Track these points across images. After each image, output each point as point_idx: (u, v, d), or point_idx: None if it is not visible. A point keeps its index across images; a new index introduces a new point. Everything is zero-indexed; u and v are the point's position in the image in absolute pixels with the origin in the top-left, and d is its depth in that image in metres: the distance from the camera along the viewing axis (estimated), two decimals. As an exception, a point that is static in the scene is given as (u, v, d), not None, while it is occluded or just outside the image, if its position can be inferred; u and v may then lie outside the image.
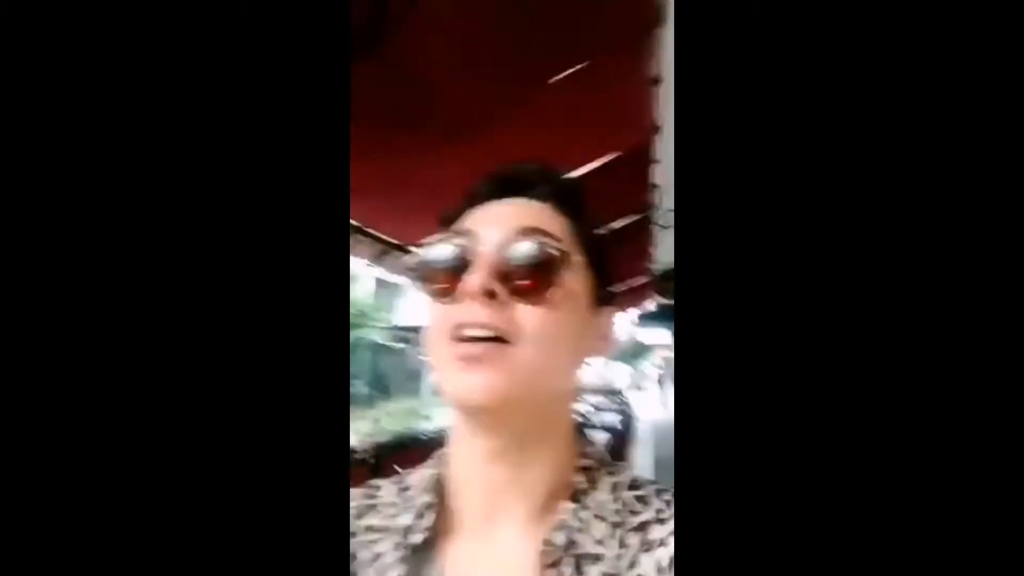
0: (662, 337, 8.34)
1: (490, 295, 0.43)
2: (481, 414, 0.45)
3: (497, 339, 0.43)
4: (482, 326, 0.43)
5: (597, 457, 0.50)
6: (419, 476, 0.52)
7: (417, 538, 0.46)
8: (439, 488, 0.49)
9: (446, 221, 0.50)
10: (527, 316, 0.44)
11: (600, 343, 0.52)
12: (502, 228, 0.46)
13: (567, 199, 0.51)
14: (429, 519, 0.47)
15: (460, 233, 0.47)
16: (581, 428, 0.52)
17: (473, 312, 0.43)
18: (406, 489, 0.52)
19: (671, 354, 9.07)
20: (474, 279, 0.44)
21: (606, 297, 0.52)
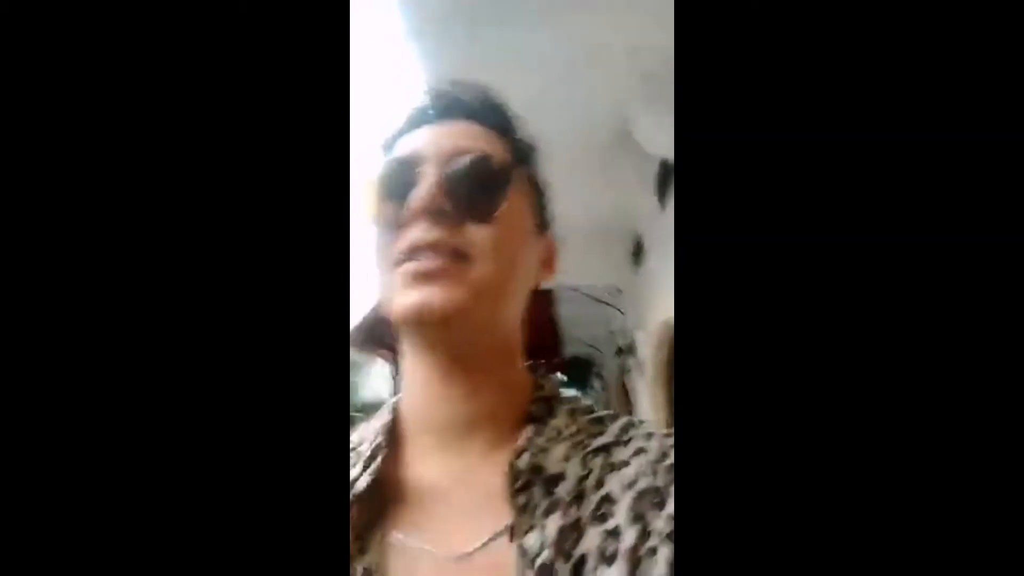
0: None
1: (439, 213, 0.43)
2: (435, 330, 0.44)
3: (450, 256, 0.43)
4: (435, 245, 0.43)
5: (551, 390, 0.51)
6: (367, 429, 0.51)
7: (362, 484, 0.45)
8: (391, 432, 0.49)
9: (385, 148, 0.50)
10: (475, 233, 0.44)
11: (544, 270, 0.52)
12: (444, 147, 0.46)
13: (500, 119, 0.51)
14: (377, 460, 0.46)
15: (400, 159, 0.47)
16: (535, 368, 0.53)
17: (425, 233, 0.43)
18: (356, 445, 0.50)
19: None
20: (423, 197, 0.43)
21: (547, 220, 0.53)
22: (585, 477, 0.44)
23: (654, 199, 2.83)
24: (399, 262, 0.44)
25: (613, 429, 0.48)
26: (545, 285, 0.53)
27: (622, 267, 3.68)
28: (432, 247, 0.43)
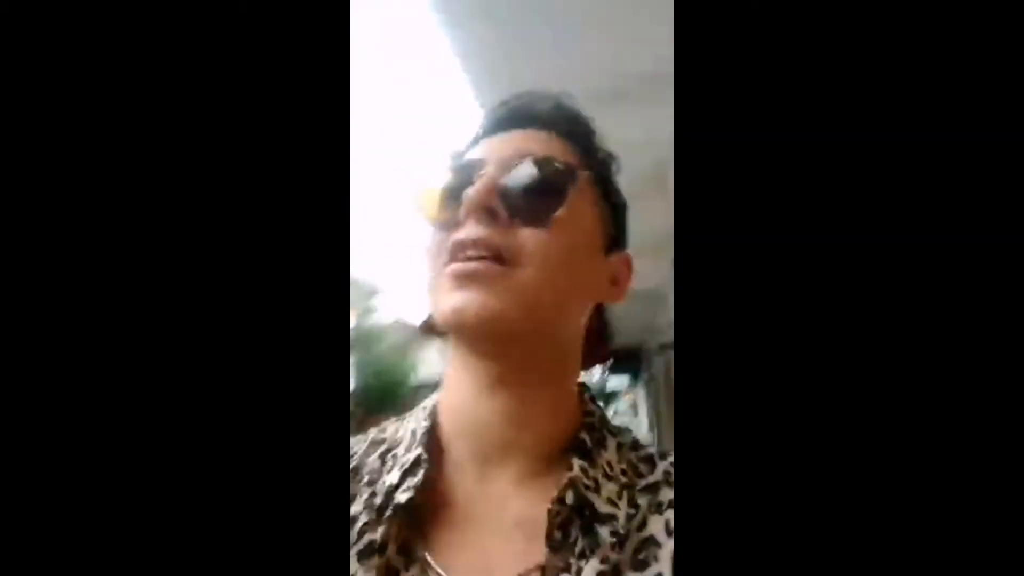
0: (623, 382, 9.33)
1: (490, 213, 0.42)
2: (476, 339, 0.43)
3: (495, 259, 0.41)
4: (479, 243, 0.41)
5: (599, 416, 0.49)
6: (403, 429, 0.49)
7: (402, 497, 0.43)
8: (430, 440, 0.46)
9: (454, 158, 0.49)
10: (527, 238, 0.42)
11: (612, 288, 0.49)
12: (505, 152, 0.45)
13: (576, 130, 0.49)
14: (419, 476, 0.44)
15: (464, 164, 0.46)
16: (584, 385, 0.50)
17: (471, 230, 0.42)
18: (386, 444, 0.49)
19: (633, 394, 9.95)
20: (472, 196, 0.42)
21: (618, 237, 0.50)
22: (631, 518, 0.42)
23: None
24: (446, 262, 0.42)
25: (662, 466, 0.46)
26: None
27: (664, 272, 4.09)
28: (476, 246, 0.41)
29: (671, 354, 4.97)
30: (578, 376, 0.49)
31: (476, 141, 0.50)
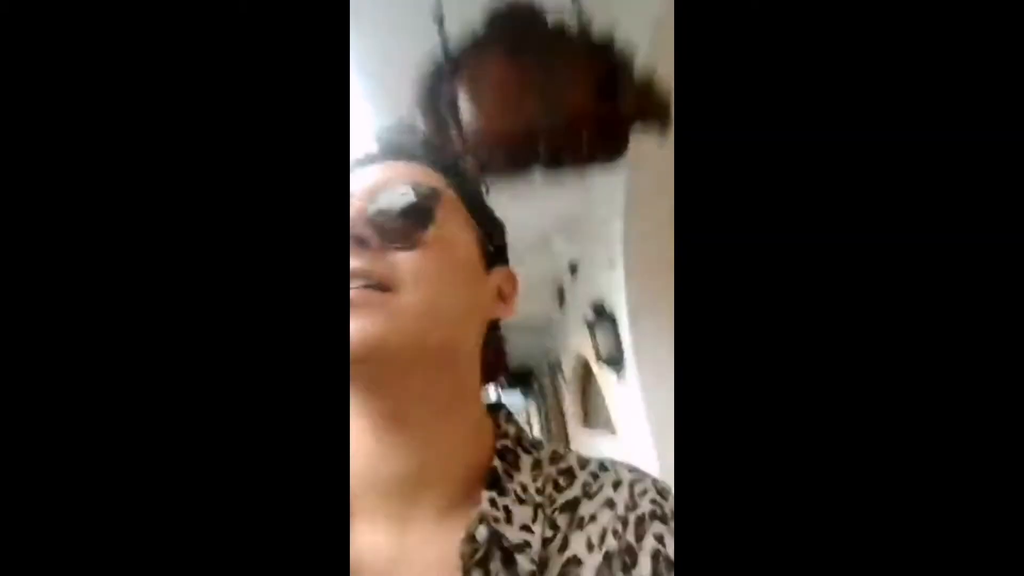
0: (514, 400, 10.13)
1: (360, 242, 0.41)
2: (368, 370, 0.40)
3: (374, 286, 0.40)
4: (356, 274, 0.40)
5: (514, 435, 0.47)
6: None
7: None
8: None
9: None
10: (403, 260, 0.42)
11: (499, 304, 0.49)
12: (371, 182, 0.45)
13: (444, 157, 0.50)
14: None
15: (368, 188, 0.45)
16: (497, 406, 0.50)
17: (355, 261, 0.40)
18: None
19: (525, 411, 10.78)
20: (351, 227, 0.40)
21: (497, 254, 0.50)
22: (550, 540, 0.41)
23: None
24: None
25: (582, 478, 0.45)
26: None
27: (550, 306, 4.86)
28: (355, 276, 0.40)
29: (558, 373, 5.78)
30: (480, 399, 0.47)
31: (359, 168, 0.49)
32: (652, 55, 1.60)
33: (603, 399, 3.67)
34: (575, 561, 0.40)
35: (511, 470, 0.44)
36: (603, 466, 0.47)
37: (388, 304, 0.40)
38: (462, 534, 0.39)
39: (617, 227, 2.67)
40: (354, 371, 0.40)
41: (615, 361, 2.88)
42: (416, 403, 0.42)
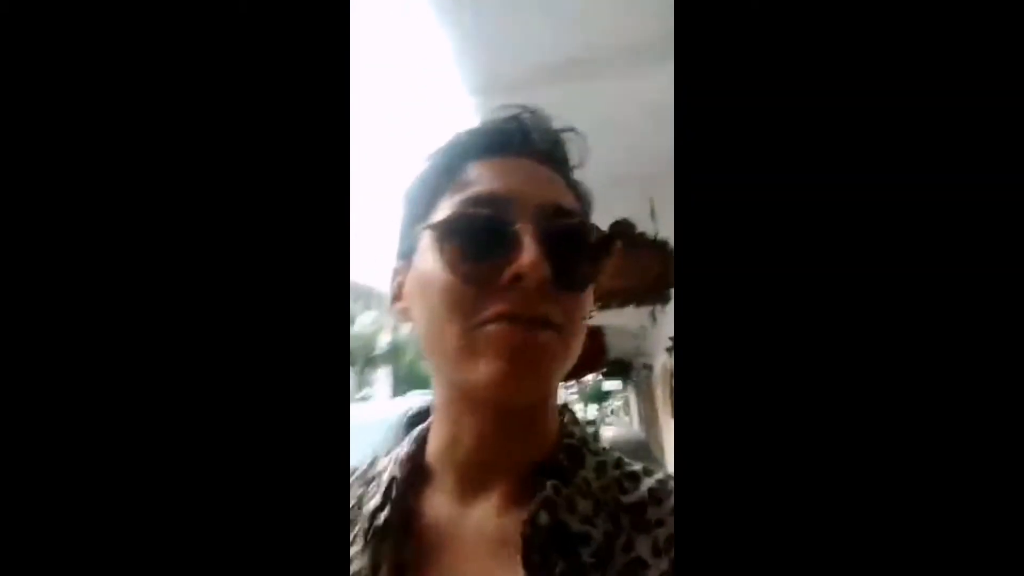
0: (616, 385, 11.27)
1: (543, 283, 0.39)
2: (497, 404, 0.41)
3: (543, 326, 0.40)
4: (536, 315, 0.39)
5: (580, 436, 0.48)
6: (387, 459, 0.50)
7: (380, 519, 0.44)
8: (411, 468, 0.47)
9: (443, 172, 0.46)
10: (571, 305, 0.41)
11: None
12: (533, 200, 0.42)
13: (561, 156, 0.48)
14: (396, 498, 0.45)
15: (488, 199, 0.42)
16: (566, 407, 0.51)
17: (525, 299, 0.40)
18: (372, 477, 0.50)
19: (624, 396, 11.92)
20: (529, 263, 0.39)
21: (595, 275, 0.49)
22: (614, 538, 0.41)
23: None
24: (485, 322, 0.40)
25: (648, 483, 0.44)
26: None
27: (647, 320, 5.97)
28: (533, 316, 0.40)
29: (650, 371, 6.96)
30: (555, 399, 0.48)
31: (466, 157, 0.46)
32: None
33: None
34: (640, 563, 0.40)
35: (576, 466, 0.45)
36: (671, 477, 0.46)
37: (553, 348, 0.41)
38: (521, 519, 0.41)
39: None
40: (479, 402, 0.43)
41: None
42: (514, 423, 0.45)
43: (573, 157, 0.50)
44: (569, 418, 0.50)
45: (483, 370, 0.40)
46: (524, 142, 0.47)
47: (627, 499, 0.44)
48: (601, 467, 0.46)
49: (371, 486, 0.49)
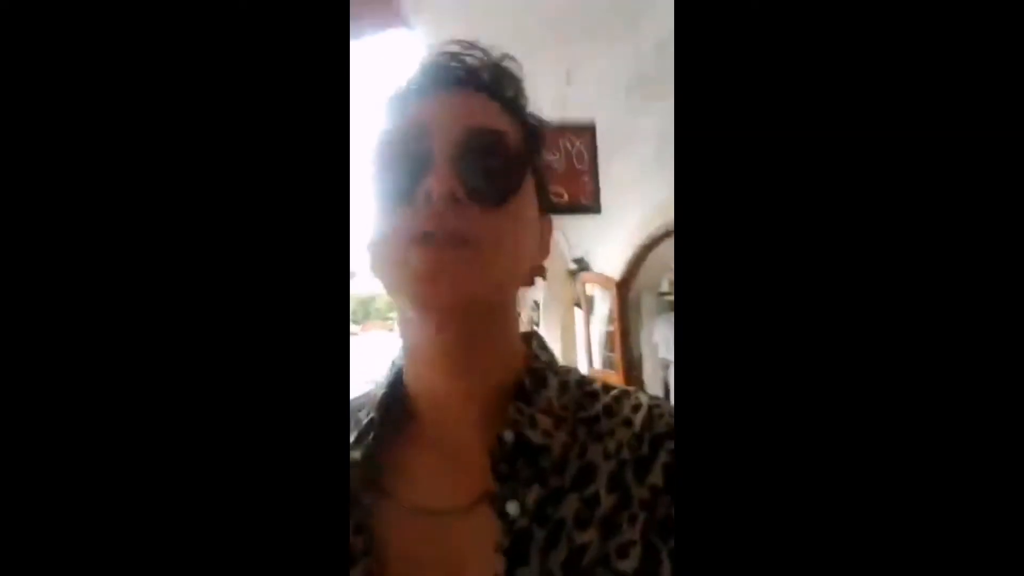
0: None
1: (453, 199, 0.43)
2: (441, 315, 0.45)
3: (459, 243, 0.42)
4: (447, 231, 0.42)
5: (545, 360, 0.52)
6: (366, 397, 0.53)
7: (356, 454, 0.47)
8: (384, 402, 0.50)
9: (391, 109, 0.49)
10: (489, 220, 0.44)
11: (542, 248, 0.52)
12: (457, 125, 0.45)
13: (511, 90, 0.50)
14: (369, 433, 0.48)
15: (412, 127, 0.46)
16: (534, 334, 0.54)
17: (439, 217, 0.42)
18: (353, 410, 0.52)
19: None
20: (440, 183, 0.43)
21: (548, 201, 0.53)
22: (569, 447, 0.47)
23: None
24: (410, 243, 0.43)
25: (604, 400, 0.50)
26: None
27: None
28: (446, 233, 0.42)
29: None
30: (517, 328, 0.52)
31: (414, 96, 0.48)
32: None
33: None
34: (591, 466, 0.46)
35: (540, 387, 0.49)
36: (626, 392, 0.51)
37: (474, 262, 0.43)
38: (492, 435, 0.46)
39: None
40: (429, 317, 0.45)
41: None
42: (469, 336, 0.47)
43: (515, 85, 0.51)
44: (537, 343, 0.54)
45: (410, 284, 0.44)
46: (465, 76, 0.49)
47: (584, 414, 0.50)
48: (564, 387, 0.51)
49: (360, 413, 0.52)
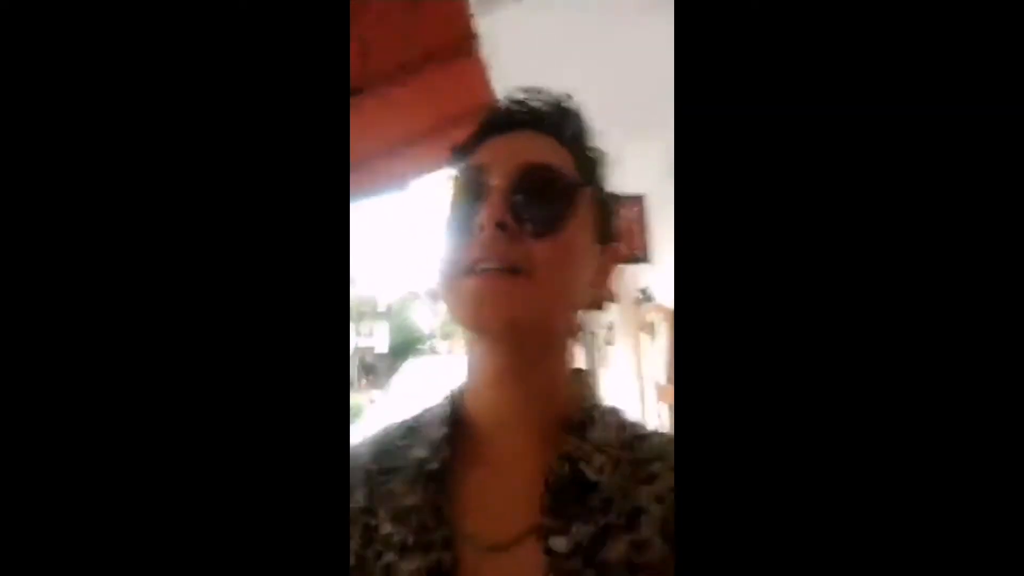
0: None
1: (503, 228, 0.47)
2: (495, 338, 0.49)
3: (509, 271, 0.46)
4: (497, 259, 0.46)
5: (592, 401, 0.55)
6: (431, 414, 0.57)
7: (433, 466, 0.51)
8: (454, 421, 0.54)
9: (458, 155, 0.54)
10: (538, 248, 0.47)
11: (600, 279, 0.55)
12: (512, 162, 0.49)
13: (571, 129, 0.54)
14: (445, 450, 0.52)
15: (472, 167, 0.50)
16: (580, 371, 0.57)
17: (488, 246, 0.47)
18: (416, 428, 0.56)
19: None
20: (491, 213, 0.47)
21: (608, 231, 0.55)
22: (620, 487, 0.47)
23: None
24: (466, 272, 0.47)
25: (655, 441, 0.52)
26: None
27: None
28: (495, 260, 0.46)
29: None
30: (569, 364, 0.54)
31: (478, 140, 0.54)
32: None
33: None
34: (641, 509, 0.46)
35: (591, 423, 0.52)
36: (671, 440, 0.52)
37: (522, 288, 0.46)
38: (545, 469, 0.48)
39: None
40: (483, 340, 0.50)
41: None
42: (524, 365, 0.50)
43: (575, 122, 0.56)
44: (584, 379, 0.57)
45: (464, 309, 0.48)
46: (527, 119, 0.55)
47: (635, 455, 0.51)
48: (617, 427, 0.54)
49: (415, 435, 0.57)
